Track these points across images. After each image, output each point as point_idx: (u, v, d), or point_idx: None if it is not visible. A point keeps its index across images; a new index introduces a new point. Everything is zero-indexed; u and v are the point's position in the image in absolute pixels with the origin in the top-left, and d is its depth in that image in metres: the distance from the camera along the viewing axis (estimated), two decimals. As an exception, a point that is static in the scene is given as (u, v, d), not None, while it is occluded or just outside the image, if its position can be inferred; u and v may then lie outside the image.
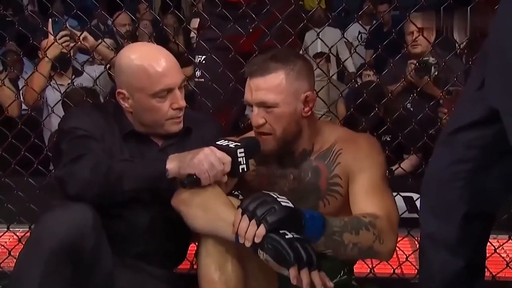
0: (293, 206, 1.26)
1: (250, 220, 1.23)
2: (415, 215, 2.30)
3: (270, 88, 1.42)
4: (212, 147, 1.38)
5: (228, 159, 1.37)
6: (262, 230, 1.22)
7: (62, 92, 2.34)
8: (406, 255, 2.00)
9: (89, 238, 1.35)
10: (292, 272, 1.20)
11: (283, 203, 1.25)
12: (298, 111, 1.46)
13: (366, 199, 1.41)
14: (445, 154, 1.24)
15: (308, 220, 1.26)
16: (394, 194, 2.34)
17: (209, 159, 1.35)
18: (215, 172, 1.35)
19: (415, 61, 2.90)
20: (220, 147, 1.39)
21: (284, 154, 1.51)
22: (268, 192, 1.29)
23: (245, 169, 1.40)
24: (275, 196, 1.26)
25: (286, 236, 1.22)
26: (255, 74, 1.44)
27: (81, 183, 1.39)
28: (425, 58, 2.81)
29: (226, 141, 1.41)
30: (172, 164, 1.37)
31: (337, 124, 1.84)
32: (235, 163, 1.38)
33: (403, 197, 2.38)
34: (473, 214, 1.20)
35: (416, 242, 2.06)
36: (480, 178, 1.19)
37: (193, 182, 1.36)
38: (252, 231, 1.23)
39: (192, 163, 1.35)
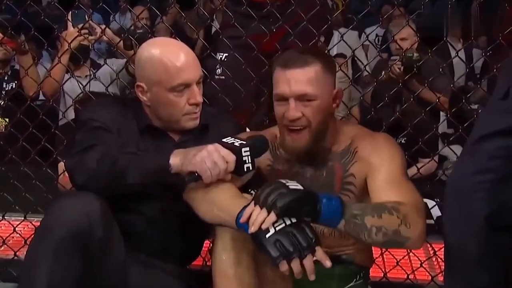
0: (302, 188, 1.24)
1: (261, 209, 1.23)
2: (431, 221, 2.32)
3: (310, 80, 1.41)
4: (216, 145, 1.35)
5: (232, 157, 1.34)
6: (272, 216, 1.21)
7: (79, 83, 2.36)
8: (420, 261, 1.99)
9: (97, 227, 1.36)
10: (281, 268, 1.20)
11: (291, 187, 1.23)
12: (330, 107, 1.46)
13: (387, 191, 1.37)
14: (468, 164, 1.22)
15: (324, 203, 1.24)
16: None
17: (212, 157, 1.32)
18: (218, 171, 1.33)
19: (398, 57, 2.87)
20: (225, 145, 1.36)
21: (305, 152, 1.48)
22: (279, 180, 1.27)
23: (250, 168, 1.36)
24: (284, 181, 1.25)
25: (278, 227, 1.20)
26: (293, 66, 1.41)
27: (87, 174, 1.40)
28: (409, 55, 2.77)
29: (232, 139, 1.38)
30: (175, 160, 1.36)
31: (353, 123, 1.83)
32: (239, 162, 1.35)
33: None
34: (496, 227, 1.18)
35: (430, 248, 2.06)
36: (503, 189, 1.18)
37: (194, 180, 1.34)
38: (261, 218, 1.21)
39: (195, 160, 1.33)
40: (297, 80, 1.41)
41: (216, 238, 1.39)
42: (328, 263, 1.22)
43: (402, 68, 2.83)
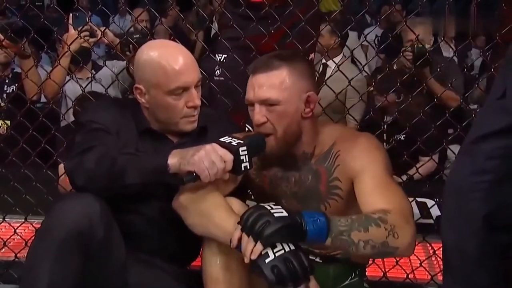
0: (287, 215, 1.23)
1: (248, 237, 1.24)
2: (430, 221, 2.32)
3: (273, 85, 1.40)
4: (214, 144, 1.36)
5: (230, 157, 1.35)
6: (259, 246, 1.22)
7: (80, 85, 2.37)
8: (420, 260, 2.00)
9: (97, 227, 1.37)
10: None
11: (276, 214, 1.22)
12: (299, 111, 1.44)
13: (373, 196, 1.36)
14: (466, 164, 1.22)
15: (309, 224, 1.23)
16: (410, 199, 2.36)
17: (210, 156, 1.33)
18: (216, 170, 1.33)
19: (409, 48, 2.84)
20: (223, 144, 1.36)
21: (286, 157, 1.49)
22: (263, 204, 1.26)
23: (248, 167, 1.37)
24: (269, 208, 1.24)
25: (277, 253, 1.22)
26: (258, 71, 1.42)
27: (86, 175, 1.40)
28: (420, 46, 2.72)
29: (230, 138, 1.38)
30: (174, 160, 1.36)
31: (336, 124, 1.82)
32: (237, 161, 1.35)
33: (417, 203, 2.38)
34: (494, 227, 1.18)
35: (430, 248, 2.06)
36: (500, 189, 1.17)
37: (192, 179, 1.34)
38: (249, 248, 1.23)
39: (193, 160, 1.34)
40: (260, 85, 1.41)
41: (204, 242, 1.41)
42: None
43: (412, 59, 2.79)
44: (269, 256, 1.22)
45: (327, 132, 1.51)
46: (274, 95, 1.40)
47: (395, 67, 2.90)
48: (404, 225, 1.30)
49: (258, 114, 1.42)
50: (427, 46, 2.77)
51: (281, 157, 1.49)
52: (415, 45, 2.67)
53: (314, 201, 1.49)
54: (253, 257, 1.22)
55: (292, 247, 1.24)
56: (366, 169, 1.40)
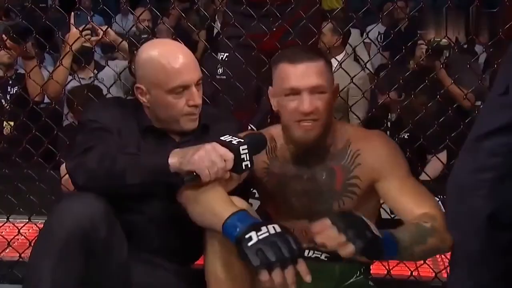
0: (379, 236, 1.19)
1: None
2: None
3: (321, 73, 1.42)
4: (214, 143, 1.35)
5: (230, 156, 1.33)
6: (350, 249, 1.14)
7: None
8: (424, 257, 2.00)
9: (100, 227, 1.36)
10: (261, 278, 1.17)
11: (374, 231, 1.19)
12: (334, 101, 1.48)
13: (405, 199, 1.40)
14: (468, 162, 1.22)
15: (386, 245, 1.21)
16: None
17: (210, 156, 1.32)
18: (216, 170, 1.32)
19: (425, 43, 2.84)
20: (223, 143, 1.35)
21: (303, 151, 1.49)
22: (360, 215, 1.22)
23: (249, 166, 1.36)
24: (367, 221, 1.20)
25: (260, 236, 1.18)
26: (302, 60, 1.42)
27: (87, 174, 1.40)
28: (437, 39, 2.75)
29: (230, 137, 1.37)
30: (174, 159, 1.36)
31: (344, 122, 1.83)
32: (238, 160, 1.34)
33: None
34: (497, 224, 1.18)
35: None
36: (503, 186, 1.17)
37: (193, 179, 1.34)
38: (337, 240, 1.15)
39: (193, 159, 1.33)
40: (309, 73, 1.41)
41: (206, 243, 1.39)
42: (308, 278, 1.19)
43: (426, 53, 2.79)
44: (252, 239, 1.18)
45: (340, 130, 1.52)
46: (323, 83, 1.43)
47: (411, 63, 2.91)
48: (446, 229, 1.33)
49: (309, 102, 1.41)
50: (443, 40, 2.78)
51: (299, 151, 1.49)
52: (431, 39, 2.69)
53: (327, 199, 1.49)
54: (344, 253, 1.15)
55: (278, 230, 1.20)
56: (390, 172, 1.44)
